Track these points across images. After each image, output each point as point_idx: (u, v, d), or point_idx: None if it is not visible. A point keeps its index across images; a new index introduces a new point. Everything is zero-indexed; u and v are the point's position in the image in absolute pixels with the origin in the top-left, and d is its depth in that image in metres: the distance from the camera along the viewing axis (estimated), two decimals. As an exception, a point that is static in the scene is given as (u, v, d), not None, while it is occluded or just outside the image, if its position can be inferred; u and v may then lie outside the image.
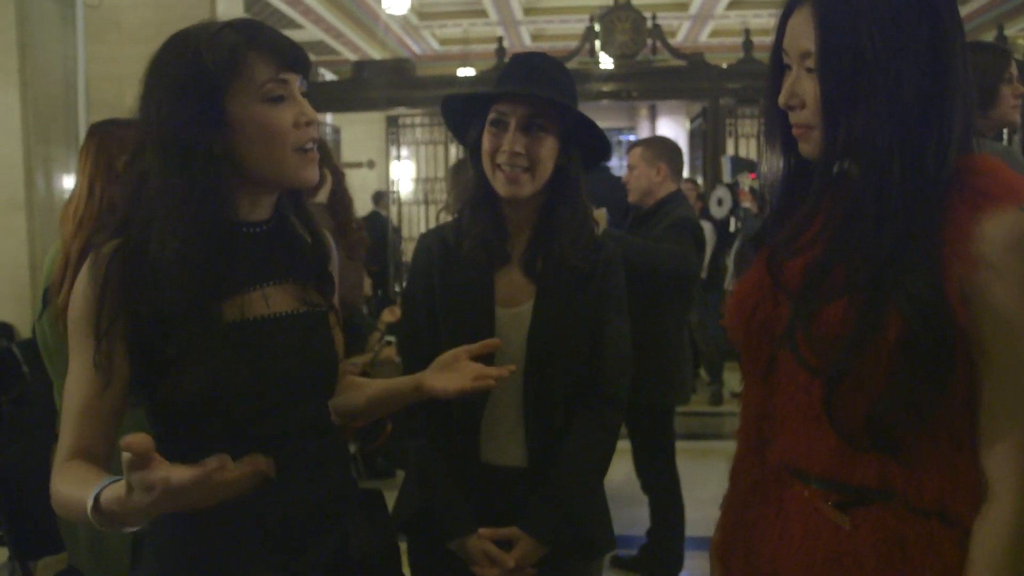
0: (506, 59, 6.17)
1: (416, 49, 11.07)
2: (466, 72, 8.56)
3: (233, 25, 0.99)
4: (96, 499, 0.82)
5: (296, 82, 1.00)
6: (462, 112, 1.40)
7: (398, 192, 8.69)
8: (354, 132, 9.55)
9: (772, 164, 1.02)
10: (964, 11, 8.68)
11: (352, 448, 3.95)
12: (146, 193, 0.96)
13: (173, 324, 0.94)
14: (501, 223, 1.38)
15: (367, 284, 5.77)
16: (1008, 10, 7.70)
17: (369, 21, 9.35)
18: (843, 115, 0.88)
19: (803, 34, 0.90)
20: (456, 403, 1.33)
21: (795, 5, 0.93)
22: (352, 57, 9.90)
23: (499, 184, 1.32)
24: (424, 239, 1.47)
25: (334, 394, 1.16)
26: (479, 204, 1.38)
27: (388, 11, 7.26)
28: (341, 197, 2.24)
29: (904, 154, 0.85)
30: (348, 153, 7.12)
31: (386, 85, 6.30)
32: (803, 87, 0.92)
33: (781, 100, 0.94)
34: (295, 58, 1.00)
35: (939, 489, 0.86)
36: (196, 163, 0.94)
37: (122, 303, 0.95)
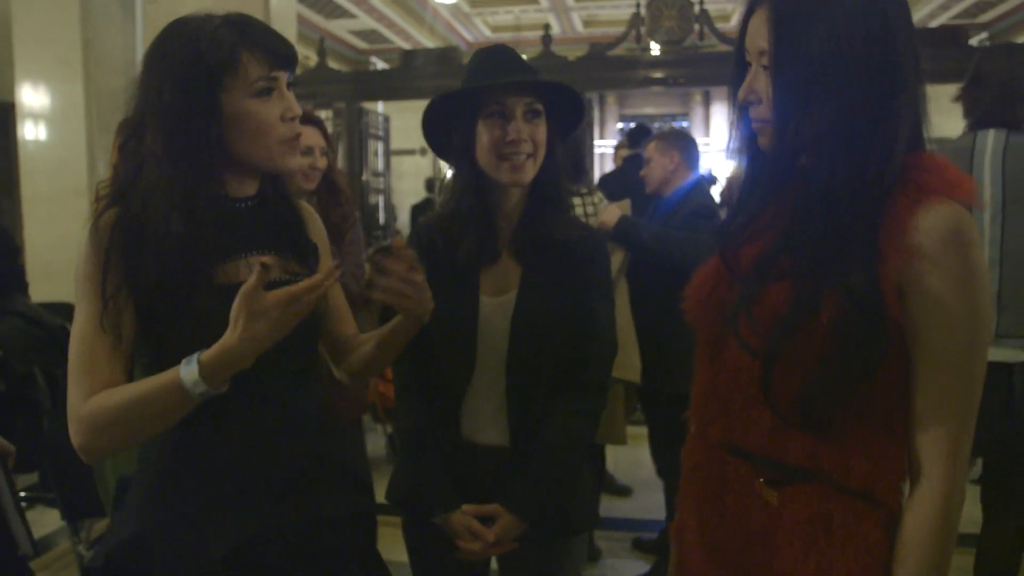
0: (553, 46, 6.21)
1: (468, 36, 11.14)
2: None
3: (230, 21, 1.08)
4: (197, 362, 0.96)
5: (284, 78, 1.11)
6: (442, 118, 1.43)
7: (446, 178, 8.79)
8: (405, 120, 9.67)
9: (737, 157, 1.07)
10: (1000, 11, 8.37)
11: (389, 429, 4.08)
12: (145, 171, 1.06)
13: (169, 288, 1.03)
14: (492, 219, 1.43)
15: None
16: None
17: (420, 9, 9.46)
18: (793, 114, 0.92)
19: (760, 34, 0.95)
20: (440, 386, 1.43)
21: (755, 5, 0.97)
22: (404, 46, 10.04)
23: (504, 173, 1.37)
24: (415, 234, 1.52)
25: (316, 363, 1.24)
26: (472, 208, 1.42)
27: (439, 0, 7.35)
28: (327, 182, 2.25)
29: (849, 152, 0.90)
30: (398, 141, 7.24)
31: (434, 74, 6.39)
32: (760, 84, 0.96)
33: (740, 95, 0.99)
34: (285, 56, 1.10)
35: (866, 471, 0.91)
36: (194, 148, 1.04)
37: (124, 268, 1.04)
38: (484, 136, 1.37)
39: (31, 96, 4.51)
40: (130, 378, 1.07)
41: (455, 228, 1.42)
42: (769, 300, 0.92)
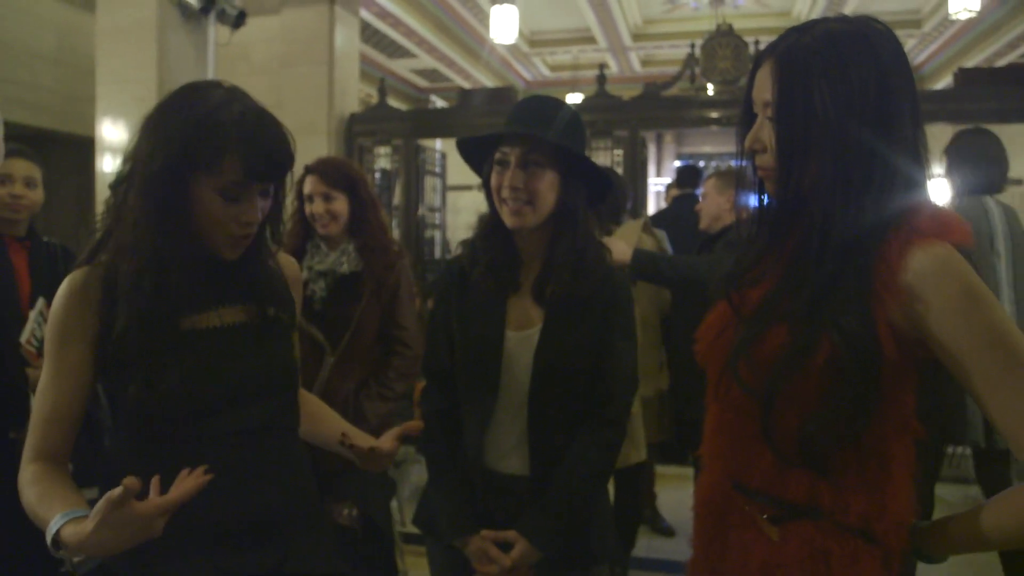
0: (607, 85, 6.29)
1: (526, 75, 11.36)
2: (574, 98, 8.72)
3: (235, 118, 1.12)
4: (57, 534, 0.97)
5: (257, 189, 1.16)
6: (476, 153, 1.54)
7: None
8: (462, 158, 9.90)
9: (746, 202, 1.12)
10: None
11: (413, 450, 4.12)
12: (124, 225, 1.15)
13: (134, 335, 1.10)
14: (513, 253, 1.52)
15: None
16: None
17: (479, 49, 9.70)
18: (795, 162, 0.98)
19: (765, 86, 1.00)
20: (464, 415, 1.50)
21: (763, 58, 1.03)
22: (464, 84, 10.29)
23: (505, 216, 1.46)
24: (446, 265, 1.62)
25: (292, 402, 1.29)
26: (489, 235, 1.52)
27: (495, 41, 7.53)
28: (364, 226, 2.33)
29: (846, 198, 0.94)
30: (454, 177, 7.41)
31: (488, 112, 6.54)
32: (765, 134, 1.01)
33: (747, 144, 1.04)
34: (266, 171, 1.16)
35: (864, 510, 0.93)
36: (164, 216, 1.12)
37: (92, 319, 1.12)
38: (492, 180, 1.49)
39: (111, 131, 4.79)
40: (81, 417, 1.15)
41: (481, 254, 1.52)
42: (768, 342, 0.95)
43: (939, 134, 9.68)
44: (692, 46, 6.33)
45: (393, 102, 7.40)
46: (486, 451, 1.49)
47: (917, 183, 0.96)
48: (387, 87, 6.55)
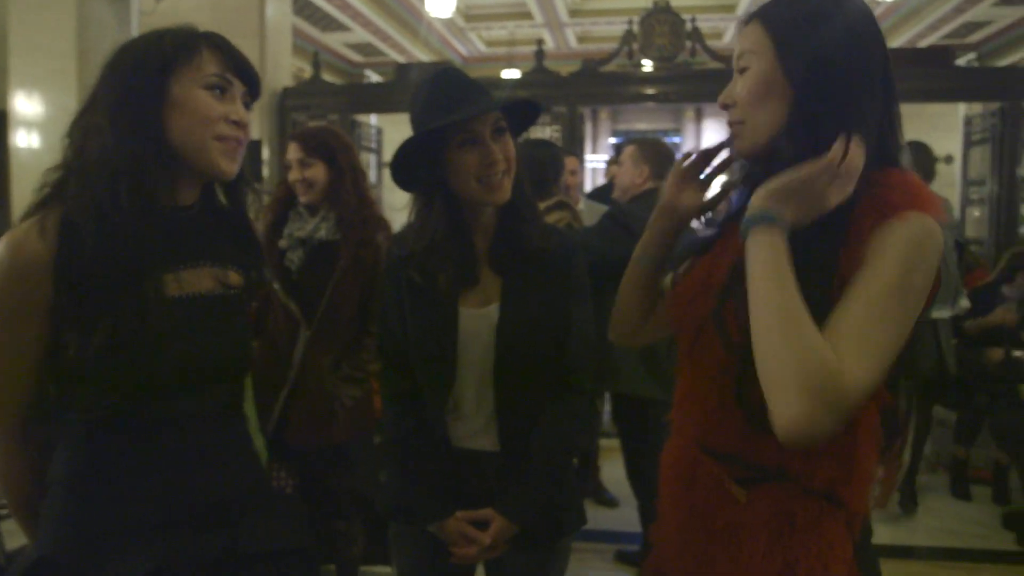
0: (545, 61, 6.26)
1: (463, 51, 11.23)
2: (511, 74, 8.66)
3: (204, 32, 1.12)
4: None
5: (240, 90, 1.13)
6: (410, 157, 1.40)
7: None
8: (399, 133, 9.73)
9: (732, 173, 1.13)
10: (1017, 15, 8.49)
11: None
12: (89, 144, 1.06)
13: (90, 294, 1.02)
14: (469, 242, 1.45)
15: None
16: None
17: (415, 23, 9.54)
18: (765, 104, 0.97)
19: (741, 40, 1.01)
20: (427, 400, 1.47)
21: (743, 27, 1.03)
22: (399, 59, 10.11)
23: (484, 195, 1.39)
24: (393, 243, 1.52)
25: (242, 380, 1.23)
26: (448, 236, 1.41)
27: (432, 14, 7.41)
28: (342, 194, 2.25)
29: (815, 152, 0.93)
30: (391, 153, 7.29)
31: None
32: (735, 87, 1.02)
33: (719, 101, 1.05)
34: (246, 69, 1.13)
35: (830, 474, 0.94)
36: (137, 123, 1.05)
37: (38, 284, 1.03)
38: (460, 164, 1.38)
39: (24, 104, 4.54)
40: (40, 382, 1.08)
41: (433, 261, 1.42)
42: (745, 307, 0.94)
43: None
44: (630, 22, 6.33)
45: (327, 77, 7.21)
46: (453, 431, 1.47)
47: (888, 153, 0.97)
48: (321, 61, 6.38)
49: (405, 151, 1.39)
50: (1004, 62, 9.21)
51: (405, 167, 1.41)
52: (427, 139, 1.37)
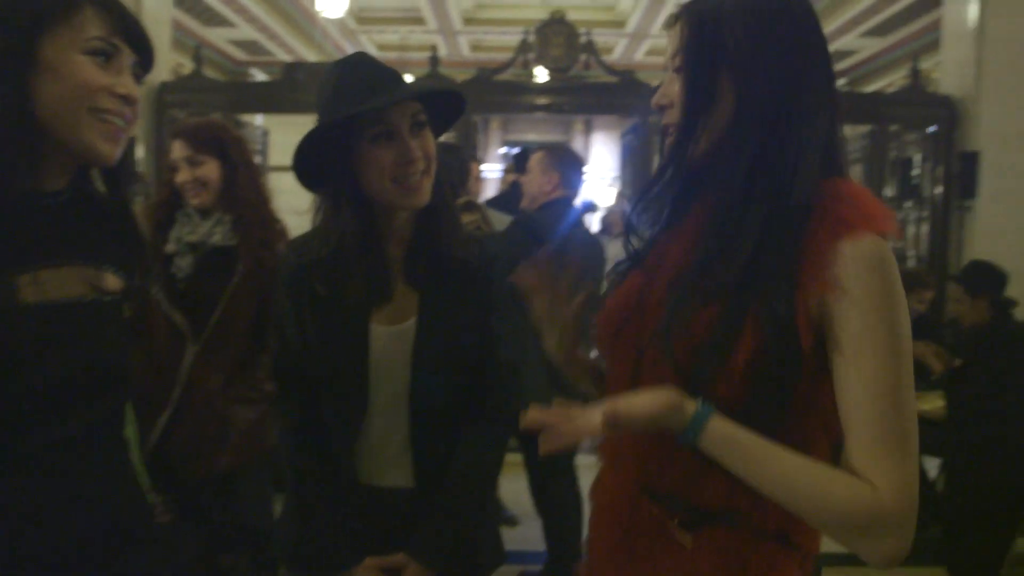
0: (440, 68, 6.17)
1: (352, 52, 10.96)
2: (405, 79, 8.49)
3: None
4: None
5: (130, 59, 0.96)
6: (310, 149, 1.24)
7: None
8: (286, 135, 9.38)
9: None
10: (881, 45, 9.07)
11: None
12: None
13: None
14: (382, 251, 1.29)
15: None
16: (925, 44, 8.05)
17: (305, 23, 9.23)
18: (701, 107, 0.90)
19: (675, 37, 0.94)
20: (331, 427, 1.30)
21: (674, 21, 0.96)
22: (287, 58, 9.75)
23: (401, 197, 1.24)
24: (290, 250, 1.35)
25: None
26: (358, 243, 1.25)
27: (323, 15, 7.17)
28: (238, 192, 2.03)
29: (765, 158, 0.87)
30: (277, 157, 6.98)
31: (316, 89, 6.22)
32: (671, 87, 0.95)
33: (653, 100, 0.98)
34: (137, 35, 0.97)
35: (783, 513, 0.86)
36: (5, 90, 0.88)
37: None
38: (373, 161, 1.22)
39: None
40: None
41: (340, 270, 1.26)
42: (700, 322, 0.87)
43: None
44: (526, 32, 6.33)
45: (209, 74, 6.84)
46: (361, 465, 1.31)
47: (834, 160, 0.91)
48: (203, 57, 6.04)
49: (309, 144, 1.22)
50: (870, 88, 9.82)
51: (309, 163, 1.25)
52: (335, 131, 1.21)
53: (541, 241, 2.70)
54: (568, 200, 2.86)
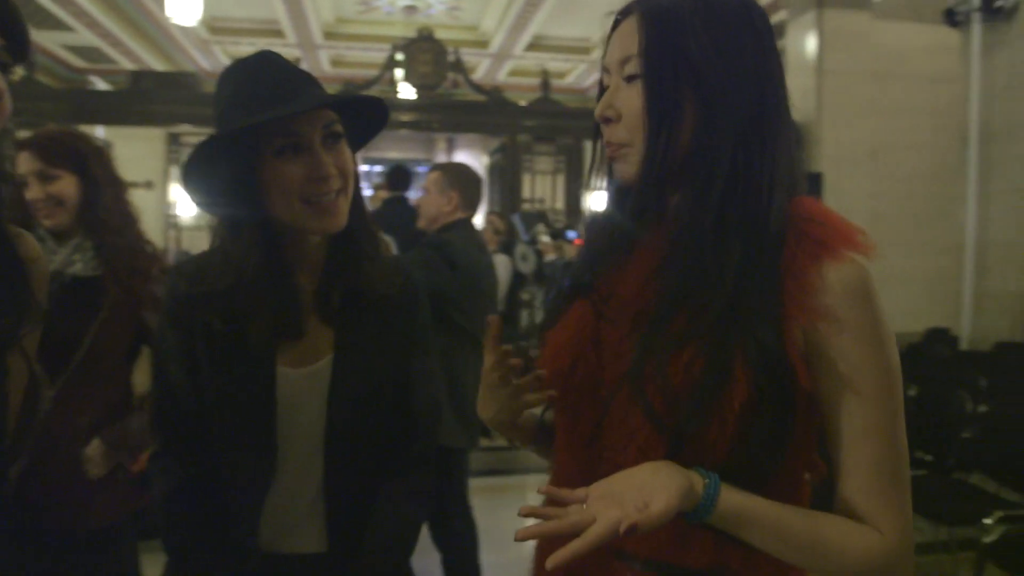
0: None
1: (205, 64, 10.43)
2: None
3: None
4: None
5: None
6: (204, 161, 1.07)
7: (177, 217, 8.11)
8: (130, 148, 8.78)
9: (592, 199, 0.98)
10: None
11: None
12: None
13: None
14: (290, 282, 1.13)
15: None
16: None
17: (152, 30, 8.69)
18: (666, 121, 0.81)
19: (625, 39, 0.84)
20: (231, 488, 1.12)
21: (620, 20, 0.87)
22: (131, 67, 9.14)
23: (313, 220, 1.08)
24: (175, 278, 1.15)
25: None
26: (262, 273, 1.08)
27: (174, 21, 6.76)
28: (101, 213, 1.75)
29: (737, 177, 0.80)
30: (122, 171, 6.50)
31: (168, 99, 5.82)
32: (620, 97, 0.84)
33: (597, 112, 0.86)
34: (6, 14, 0.85)
35: (775, 568, 0.80)
36: None
37: None
38: (279, 178, 1.05)
39: None
40: None
41: (240, 303, 1.09)
42: (674, 367, 0.78)
43: None
44: (393, 48, 6.24)
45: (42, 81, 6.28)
46: (264, 529, 1.12)
47: (797, 177, 0.85)
48: (35, 63, 5.53)
49: (201, 157, 1.06)
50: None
51: (201, 180, 1.08)
52: (233, 143, 1.05)
53: (456, 266, 2.61)
54: (467, 221, 2.78)
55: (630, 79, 0.84)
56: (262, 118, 1.03)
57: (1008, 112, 5.31)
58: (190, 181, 1.09)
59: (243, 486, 1.11)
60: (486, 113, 6.76)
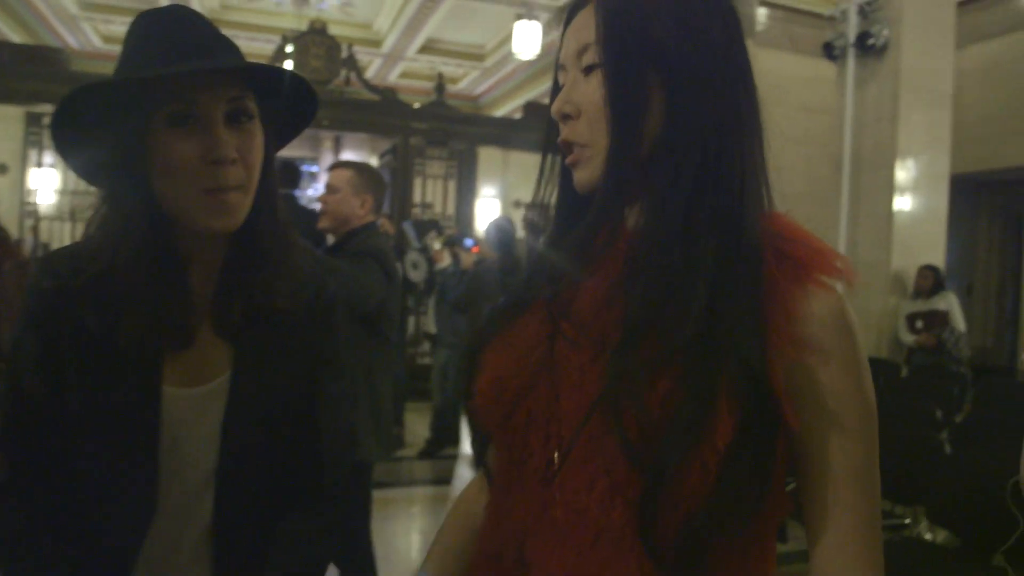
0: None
1: (72, 42, 9.69)
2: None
3: None
4: None
5: None
6: (87, 121, 0.90)
7: (37, 205, 7.45)
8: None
9: (542, 210, 0.87)
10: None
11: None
12: None
13: None
14: (180, 278, 0.94)
15: None
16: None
17: (15, 1, 7.99)
18: (632, 113, 0.73)
19: (583, 29, 0.76)
20: (101, 529, 0.92)
21: (573, 15, 0.79)
22: (-15, 39, 8.37)
23: (201, 214, 0.89)
24: (38, 282, 0.94)
25: None
26: (143, 262, 0.90)
27: (39, -7, 6.24)
28: None
29: (706, 179, 0.72)
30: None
31: (28, 75, 5.33)
32: (579, 91, 0.75)
33: (555, 108, 0.77)
34: None
35: None
36: None
37: None
38: (170, 155, 0.87)
39: None
40: None
41: (119, 305, 0.90)
42: (652, 397, 0.68)
43: (515, 160, 10.74)
44: (283, 40, 5.98)
45: None
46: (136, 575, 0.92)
47: (766, 184, 0.78)
48: None
49: (72, 109, 0.87)
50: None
51: (82, 141, 0.90)
52: (120, 97, 0.87)
53: (391, 278, 2.52)
54: (375, 225, 2.66)
55: (589, 70, 0.76)
56: (148, 73, 0.85)
57: (875, 142, 5.68)
58: (61, 139, 0.91)
59: (114, 529, 0.91)
60: (379, 113, 6.59)
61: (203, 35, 0.92)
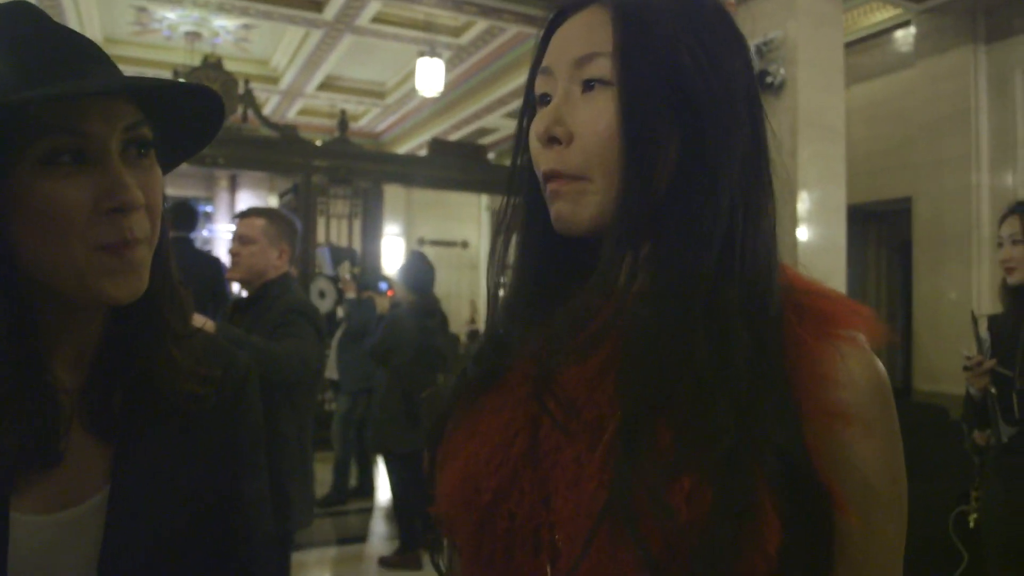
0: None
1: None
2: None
3: None
4: None
5: None
6: None
7: None
8: None
9: (501, 254, 0.71)
10: (502, 135, 10.00)
11: None
12: None
13: None
14: (42, 373, 0.71)
15: None
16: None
17: None
18: (651, 151, 0.60)
19: (589, 33, 0.63)
20: None
21: (569, 13, 0.66)
22: None
23: (100, 281, 0.68)
24: None
25: None
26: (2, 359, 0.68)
27: None
28: None
29: (737, 234, 0.61)
30: None
31: None
32: (576, 111, 0.63)
33: (540, 128, 0.63)
34: None
35: None
36: None
37: None
38: (40, 204, 0.66)
39: None
40: None
41: None
42: (675, 498, 0.55)
43: (418, 197, 10.57)
44: (175, 74, 5.67)
45: None
46: None
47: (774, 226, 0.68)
48: None
49: None
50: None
51: None
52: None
53: (320, 336, 2.39)
54: (289, 275, 2.47)
55: (591, 85, 0.63)
56: (22, 97, 0.63)
57: (779, 177, 5.83)
58: None
59: None
60: (279, 151, 6.32)
61: (71, 42, 0.71)
